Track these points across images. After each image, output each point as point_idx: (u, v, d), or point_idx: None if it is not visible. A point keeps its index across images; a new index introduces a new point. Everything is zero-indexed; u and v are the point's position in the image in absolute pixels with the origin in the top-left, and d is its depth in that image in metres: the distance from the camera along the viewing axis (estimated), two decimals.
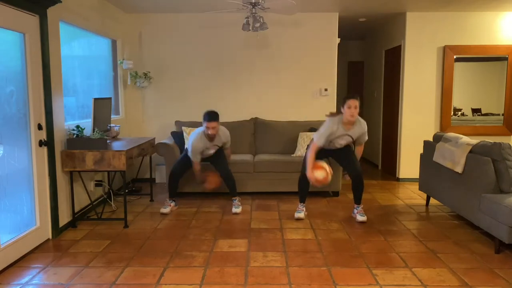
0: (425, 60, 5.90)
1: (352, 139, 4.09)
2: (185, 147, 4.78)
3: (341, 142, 4.09)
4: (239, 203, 4.62)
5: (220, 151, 4.55)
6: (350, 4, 5.34)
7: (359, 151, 4.25)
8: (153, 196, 5.17)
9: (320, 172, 3.89)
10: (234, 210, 4.49)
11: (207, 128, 4.20)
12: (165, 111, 5.98)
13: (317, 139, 3.98)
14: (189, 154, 4.38)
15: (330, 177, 3.92)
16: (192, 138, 4.35)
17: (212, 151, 4.48)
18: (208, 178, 4.46)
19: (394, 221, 4.22)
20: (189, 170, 4.60)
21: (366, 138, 4.14)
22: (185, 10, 5.63)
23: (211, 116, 4.19)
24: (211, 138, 4.33)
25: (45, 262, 3.23)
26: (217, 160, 4.52)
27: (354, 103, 3.84)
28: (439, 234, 3.82)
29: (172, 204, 4.55)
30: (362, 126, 4.04)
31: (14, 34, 3.24)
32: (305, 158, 4.37)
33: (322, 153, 4.28)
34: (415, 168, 5.82)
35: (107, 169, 3.89)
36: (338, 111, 4.04)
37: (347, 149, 4.17)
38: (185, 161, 4.53)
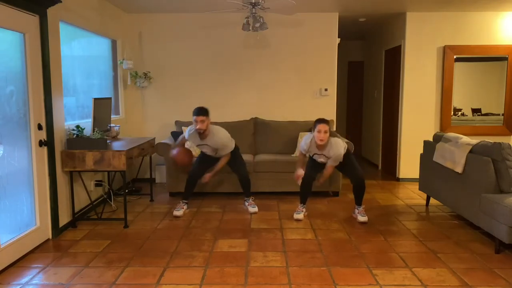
0: (425, 60, 5.90)
1: (329, 158, 4.10)
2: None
3: (320, 160, 4.19)
4: (254, 202, 4.65)
5: (235, 154, 4.52)
6: (350, 4, 5.34)
7: (327, 171, 4.16)
8: (153, 196, 5.17)
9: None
10: (251, 210, 4.53)
11: (195, 122, 4.19)
12: (165, 111, 5.98)
13: (299, 148, 4.37)
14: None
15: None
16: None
17: (208, 151, 4.45)
18: (179, 154, 4.29)
19: (394, 221, 4.22)
20: (207, 169, 4.58)
21: (336, 163, 4.10)
22: (185, 10, 5.63)
23: (198, 109, 4.19)
24: (201, 135, 4.29)
25: (45, 262, 3.23)
26: (234, 162, 4.52)
27: (323, 128, 3.91)
28: (439, 234, 3.82)
29: (185, 207, 4.53)
30: (336, 149, 4.01)
31: (14, 34, 3.24)
32: (308, 159, 4.40)
33: (320, 164, 4.28)
34: (415, 168, 5.81)
35: (107, 169, 3.89)
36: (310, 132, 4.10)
37: (346, 157, 4.16)
38: (202, 161, 4.57)
